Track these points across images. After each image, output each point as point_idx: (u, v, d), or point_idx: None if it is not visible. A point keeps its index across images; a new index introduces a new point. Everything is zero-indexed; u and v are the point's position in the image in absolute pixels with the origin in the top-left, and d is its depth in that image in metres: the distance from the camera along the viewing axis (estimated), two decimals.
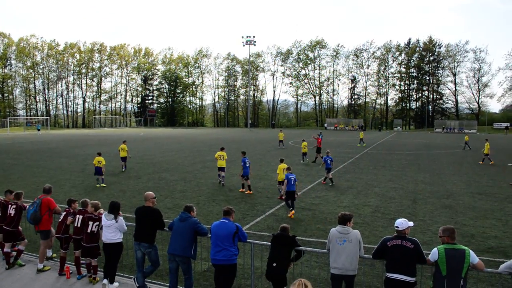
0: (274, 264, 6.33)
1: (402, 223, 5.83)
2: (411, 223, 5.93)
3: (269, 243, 6.67)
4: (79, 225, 7.84)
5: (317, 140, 28.05)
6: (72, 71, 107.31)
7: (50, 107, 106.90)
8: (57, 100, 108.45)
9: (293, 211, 12.96)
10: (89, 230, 7.60)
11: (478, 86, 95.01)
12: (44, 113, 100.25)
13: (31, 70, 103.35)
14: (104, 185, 17.75)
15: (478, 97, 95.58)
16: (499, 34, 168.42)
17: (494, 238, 10.71)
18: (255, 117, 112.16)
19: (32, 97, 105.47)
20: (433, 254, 5.41)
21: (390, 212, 13.40)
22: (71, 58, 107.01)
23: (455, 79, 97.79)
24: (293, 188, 13.04)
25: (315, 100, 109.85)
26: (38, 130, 67.68)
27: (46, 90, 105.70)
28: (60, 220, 8.19)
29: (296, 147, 38.01)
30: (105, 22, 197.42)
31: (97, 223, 7.63)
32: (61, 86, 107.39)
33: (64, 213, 8.20)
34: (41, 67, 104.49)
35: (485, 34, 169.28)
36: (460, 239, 10.04)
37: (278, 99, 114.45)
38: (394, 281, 5.57)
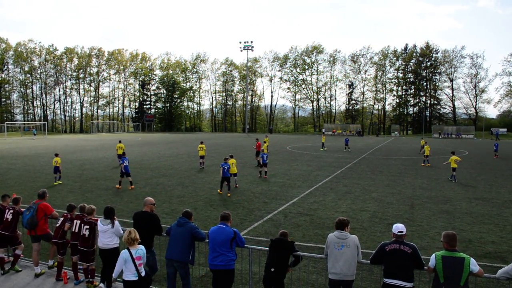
0: (272, 269, 6.31)
1: (404, 226, 5.93)
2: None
3: (267, 248, 6.64)
4: (76, 230, 7.84)
5: (257, 144, 28.94)
6: (69, 76, 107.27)
7: (48, 112, 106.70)
8: (54, 105, 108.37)
9: (221, 191, 17.07)
10: (81, 233, 7.68)
11: (475, 92, 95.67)
12: (42, 118, 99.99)
13: (29, 75, 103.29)
14: (60, 182, 19.62)
15: (475, 102, 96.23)
16: (496, 39, 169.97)
17: (492, 243, 10.73)
18: (252, 122, 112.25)
19: (29, 102, 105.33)
20: (431, 260, 5.43)
21: (388, 217, 13.41)
22: (69, 63, 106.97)
23: (452, 85, 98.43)
24: (228, 174, 17.06)
25: (312, 105, 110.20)
26: (34, 134, 67.75)
27: (44, 95, 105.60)
28: (58, 225, 8.17)
29: (293, 152, 38.12)
30: (103, 27, 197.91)
31: (87, 226, 7.62)
32: (59, 91, 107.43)
33: (62, 218, 8.19)
34: (39, 72, 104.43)
35: (482, 39, 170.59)
36: (458, 245, 10.02)
37: (275, 104, 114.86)
38: (391, 287, 5.57)
